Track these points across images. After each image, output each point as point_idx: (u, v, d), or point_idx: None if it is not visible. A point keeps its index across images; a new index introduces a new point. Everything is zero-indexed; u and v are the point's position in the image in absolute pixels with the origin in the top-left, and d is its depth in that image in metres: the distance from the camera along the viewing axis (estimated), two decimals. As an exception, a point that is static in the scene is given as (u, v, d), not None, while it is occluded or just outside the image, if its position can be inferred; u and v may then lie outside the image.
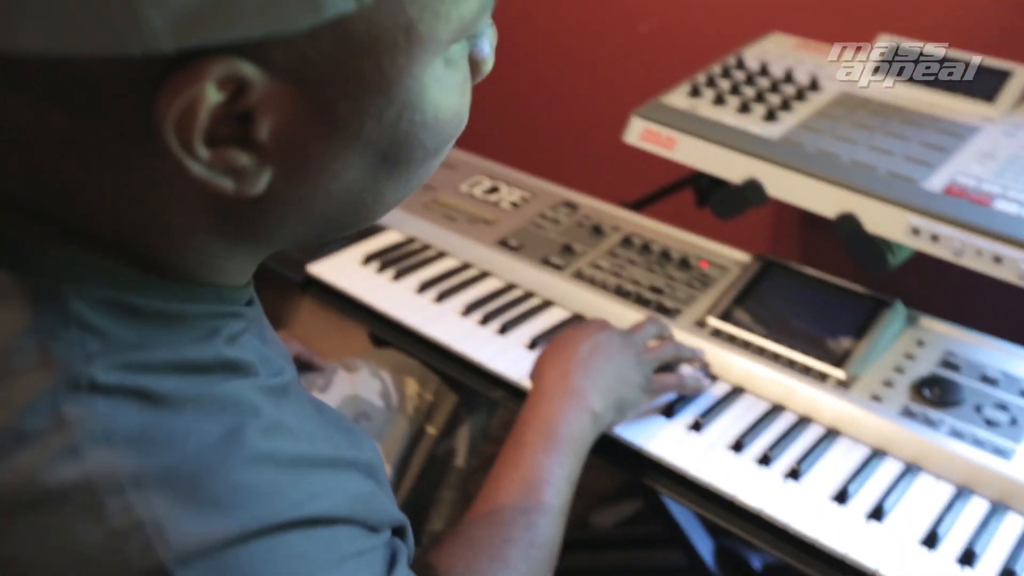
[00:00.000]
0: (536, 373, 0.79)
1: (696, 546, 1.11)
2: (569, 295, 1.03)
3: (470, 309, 1.01)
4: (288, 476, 0.39)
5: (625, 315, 0.98)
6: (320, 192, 0.40)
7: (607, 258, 1.07)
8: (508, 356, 0.94)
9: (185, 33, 0.31)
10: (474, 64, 0.44)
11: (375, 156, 0.40)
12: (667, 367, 0.87)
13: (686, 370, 0.90)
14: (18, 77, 0.34)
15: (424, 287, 1.05)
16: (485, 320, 0.99)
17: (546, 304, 1.03)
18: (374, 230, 1.18)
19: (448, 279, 1.07)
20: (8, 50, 0.31)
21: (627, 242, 1.10)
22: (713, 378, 0.91)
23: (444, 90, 0.41)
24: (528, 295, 1.05)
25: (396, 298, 1.04)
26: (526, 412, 0.75)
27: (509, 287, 1.07)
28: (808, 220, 1.46)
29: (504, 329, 0.98)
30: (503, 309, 1.01)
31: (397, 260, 1.11)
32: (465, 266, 1.10)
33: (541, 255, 1.08)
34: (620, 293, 1.01)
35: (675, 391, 0.86)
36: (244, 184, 0.38)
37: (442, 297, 1.03)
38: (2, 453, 0.34)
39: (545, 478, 0.67)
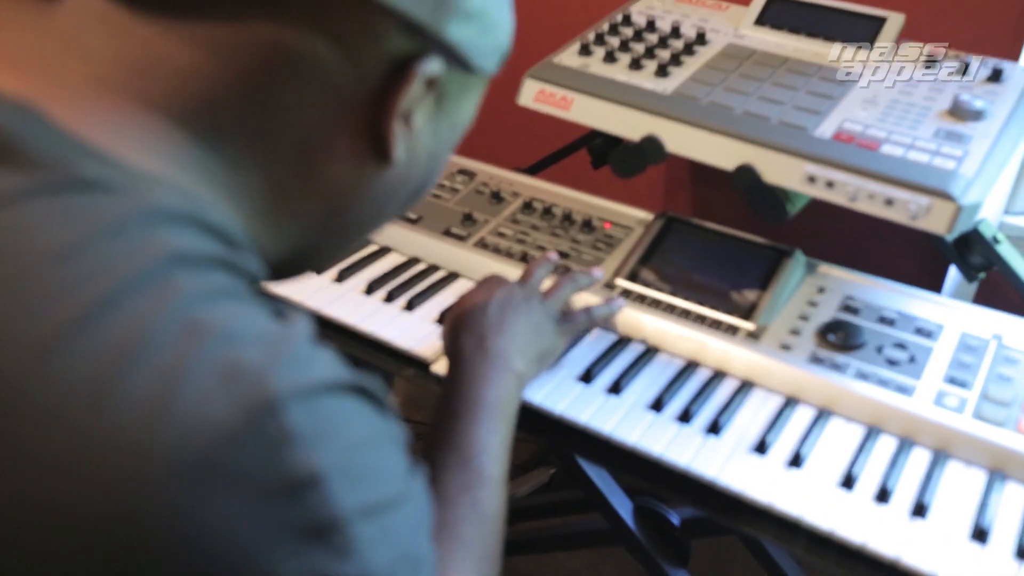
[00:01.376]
0: (450, 344, 0.78)
1: (615, 507, 1.12)
2: (475, 265, 1.00)
3: (373, 286, 0.97)
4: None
5: (533, 282, 0.96)
6: (390, 195, 0.50)
7: (509, 225, 1.05)
8: (418, 333, 0.91)
9: (456, 37, 0.45)
10: None
11: (417, 186, 0.52)
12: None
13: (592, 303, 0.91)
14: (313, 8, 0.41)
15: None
16: (390, 297, 0.96)
17: (452, 276, 1.01)
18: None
19: (346, 258, 1.02)
20: None
21: (528, 207, 1.08)
22: (627, 339, 0.91)
23: (448, 158, 0.54)
24: (432, 268, 1.02)
25: (296, 282, 0.98)
26: (451, 384, 0.73)
27: (412, 261, 1.03)
28: (697, 174, 1.48)
29: (411, 305, 0.95)
30: (408, 284, 0.98)
31: (290, 241, 1.05)
32: (363, 242, 1.06)
33: (442, 226, 1.05)
34: (526, 260, 0.99)
35: (589, 326, 0.87)
36: (397, 153, 0.46)
37: (342, 276, 0.99)
38: (104, 317, 0.35)
39: (481, 449, 0.66)
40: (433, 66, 0.44)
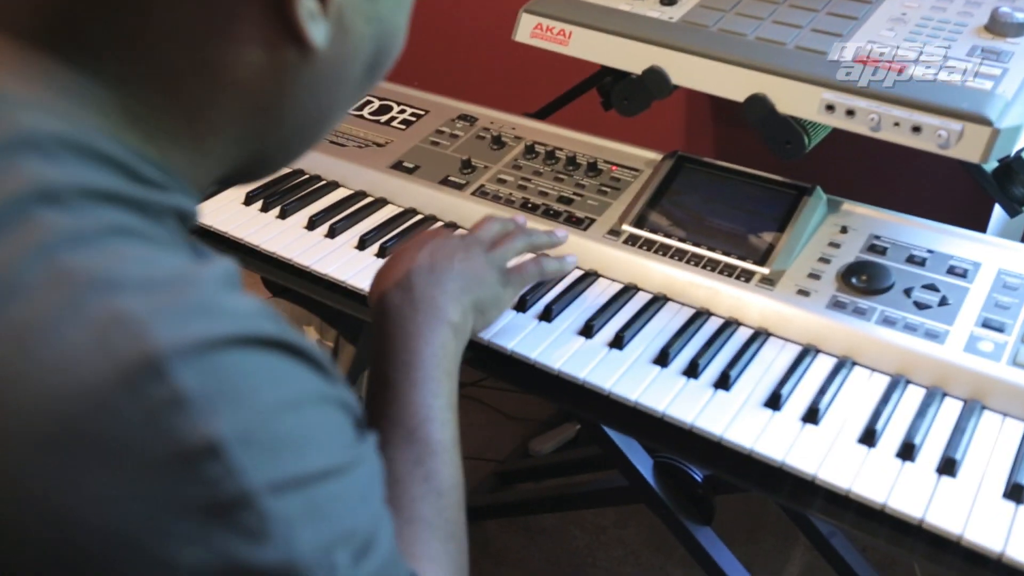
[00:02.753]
0: (375, 297, 0.68)
1: (636, 465, 1.07)
2: (473, 215, 0.94)
3: (366, 241, 0.92)
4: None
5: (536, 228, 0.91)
6: (331, 83, 0.43)
7: (510, 171, 0.99)
8: (411, 289, 0.86)
9: None
10: None
11: (370, 59, 0.44)
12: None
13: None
14: None
15: (314, 222, 0.96)
16: (382, 252, 0.91)
17: (450, 227, 0.95)
18: (256, 166, 1.07)
19: (339, 210, 0.98)
20: None
21: (531, 151, 1.02)
22: (632, 288, 0.85)
23: (407, 13, 0.46)
24: (429, 219, 0.97)
25: (285, 237, 0.94)
26: (379, 342, 0.64)
27: (408, 212, 0.98)
28: (720, 113, 1.39)
29: (404, 260, 0.89)
30: (401, 237, 0.93)
31: (282, 195, 1.00)
32: (359, 194, 1.01)
33: (440, 174, 1.00)
34: (527, 207, 0.94)
35: (537, 278, 0.79)
36: (311, 29, 0.39)
37: (334, 231, 0.94)
38: None
39: (425, 415, 0.59)
40: None
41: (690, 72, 0.86)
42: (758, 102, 0.82)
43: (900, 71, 0.80)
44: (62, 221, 0.32)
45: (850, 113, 0.78)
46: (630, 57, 0.89)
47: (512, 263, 0.77)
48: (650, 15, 0.91)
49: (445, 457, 0.58)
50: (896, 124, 0.77)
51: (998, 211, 1.17)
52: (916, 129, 0.76)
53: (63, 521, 0.30)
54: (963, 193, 1.21)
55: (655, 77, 0.86)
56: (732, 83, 0.84)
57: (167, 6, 0.37)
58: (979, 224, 1.20)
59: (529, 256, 0.81)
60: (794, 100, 0.81)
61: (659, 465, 1.13)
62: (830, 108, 0.79)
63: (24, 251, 0.31)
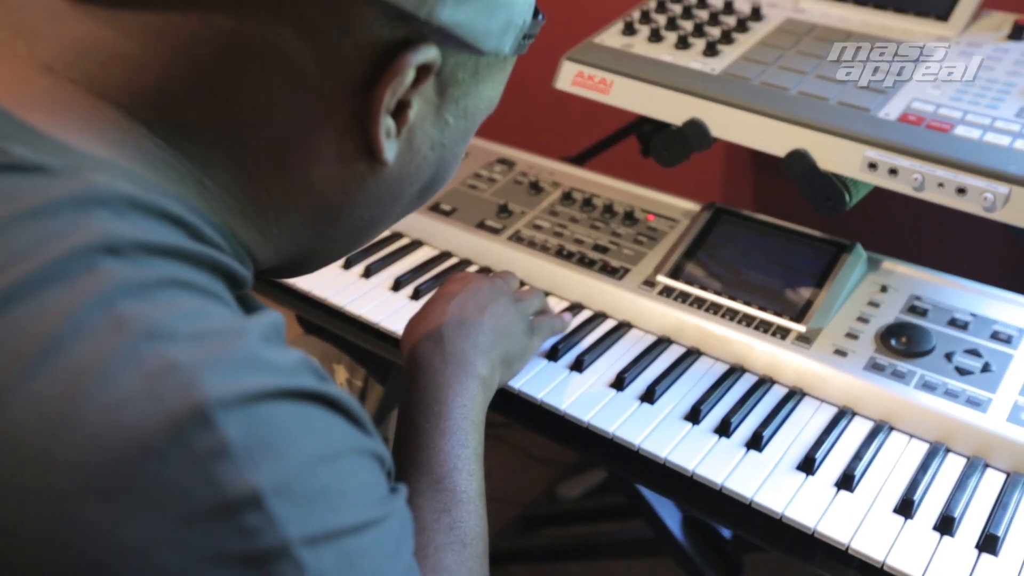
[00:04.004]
0: (407, 347, 0.70)
1: (664, 519, 1.05)
2: (508, 260, 0.95)
3: (400, 283, 0.92)
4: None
5: (569, 278, 0.90)
6: (391, 197, 0.46)
7: (547, 217, 0.99)
8: (442, 333, 0.86)
9: (452, 20, 0.40)
10: None
11: (428, 181, 0.47)
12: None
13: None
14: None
15: (350, 262, 0.96)
16: (416, 294, 0.91)
17: (484, 271, 0.95)
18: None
19: (376, 251, 0.98)
20: None
21: (568, 198, 1.01)
22: (666, 341, 0.84)
23: (465, 148, 0.49)
24: (464, 263, 0.97)
25: (320, 276, 0.95)
26: (409, 392, 0.66)
27: (443, 255, 0.98)
28: (760, 165, 1.38)
29: (437, 303, 0.89)
30: (436, 280, 0.93)
31: (320, 235, 1.01)
32: (395, 235, 1.02)
33: (477, 218, 1.00)
34: (562, 255, 0.93)
35: (559, 331, 0.81)
36: (386, 153, 0.42)
37: (370, 272, 0.95)
38: (14, 306, 0.32)
39: (452, 465, 0.60)
40: (426, 54, 0.40)
41: (730, 125, 0.85)
42: (799, 158, 0.81)
43: (946, 131, 0.78)
44: (123, 271, 0.33)
45: (893, 172, 0.77)
46: (671, 108, 0.88)
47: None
48: (692, 66, 0.91)
49: (471, 507, 0.58)
50: (940, 185, 0.75)
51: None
52: (961, 191, 0.74)
53: (99, 567, 0.30)
54: (1007, 254, 1.18)
55: (695, 129, 0.86)
56: (773, 137, 0.83)
57: (266, 110, 0.39)
58: (1020, 285, 1.17)
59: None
60: (836, 157, 0.80)
61: (688, 520, 1.11)
62: (872, 166, 0.78)
63: (86, 298, 0.32)
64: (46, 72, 0.38)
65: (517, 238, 0.96)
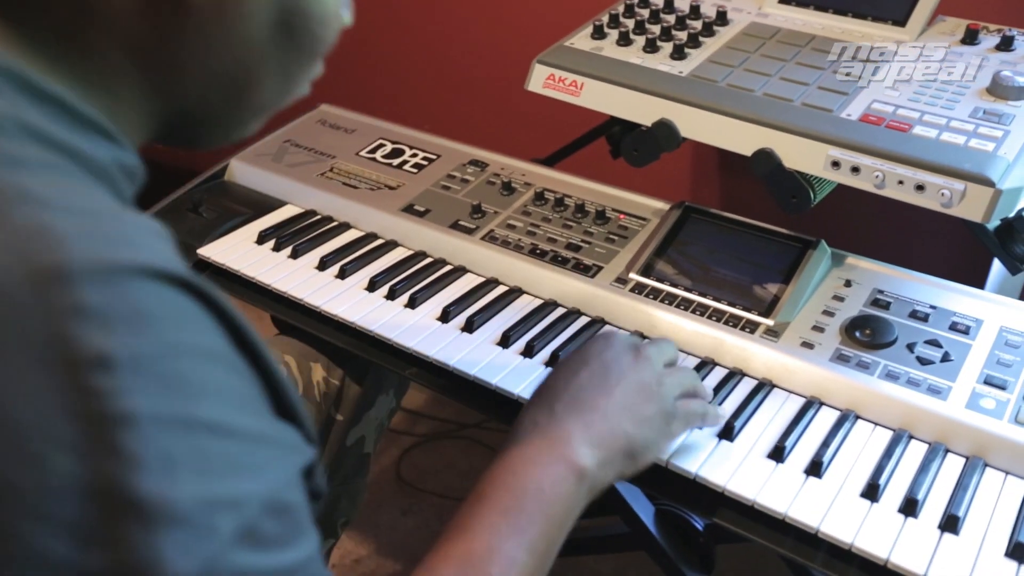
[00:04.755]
0: (528, 402, 0.63)
1: (638, 513, 1.07)
2: (483, 259, 0.96)
3: (375, 283, 0.93)
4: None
5: (543, 276, 0.92)
6: (227, 27, 0.42)
7: (520, 217, 1.01)
8: (419, 331, 0.87)
9: None
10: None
11: (277, 17, 0.43)
12: None
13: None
14: None
15: (325, 263, 0.97)
16: (392, 294, 0.92)
17: (459, 271, 0.97)
18: (269, 206, 1.08)
19: (350, 252, 0.99)
20: None
21: (540, 198, 1.03)
22: (642, 336, 0.86)
23: None
24: (439, 262, 0.98)
25: (296, 277, 0.95)
26: (496, 459, 0.59)
27: (418, 255, 0.99)
28: (726, 164, 1.42)
29: (413, 302, 0.91)
30: (411, 280, 0.94)
31: (294, 236, 1.02)
32: (370, 236, 1.03)
33: (451, 219, 1.01)
34: (536, 253, 0.95)
35: (700, 422, 0.70)
36: None
37: (344, 272, 0.95)
38: None
39: (496, 547, 0.53)
40: None
41: (699, 125, 0.88)
42: (765, 157, 0.84)
43: (905, 130, 0.81)
44: (3, 145, 0.34)
45: (855, 170, 0.80)
46: (640, 109, 0.91)
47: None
48: (660, 69, 0.94)
49: None
50: (900, 182, 0.78)
51: (996, 266, 1.18)
52: (920, 187, 0.77)
53: None
54: (963, 248, 1.22)
55: (664, 130, 0.88)
56: (740, 137, 0.85)
57: None
58: (978, 279, 1.21)
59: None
60: (801, 155, 0.83)
61: (661, 513, 1.12)
62: (836, 164, 0.81)
63: None
64: None
65: (491, 238, 0.98)
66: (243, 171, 1.14)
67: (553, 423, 0.60)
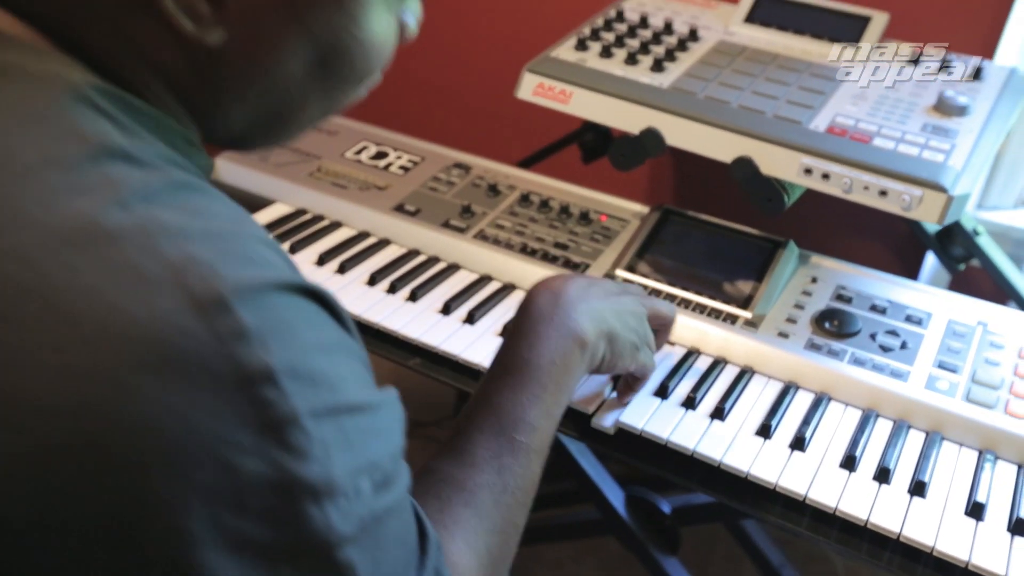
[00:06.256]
0: (524, 302, 0.72)
1: (608, 497, 1.14)
2: (475, 256, 1.02)
3: (376, 278, 0.98)
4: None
5: (534, 273, 0.98)
6: (263, 72, 0.46)
7: (508, 217, 1.07)
8: (422, 322, 0.92)
9: None
10: (400, 27, 0.53)
11: (315, 55, 0.47)
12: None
13: None
14: None
15: (323, 259, 1.01)
16: (393, 288, 0.97)
17: (452, 267, 1.02)
18: (258, 205, 1.11)
19: (347, 248, 1.03)
20: None
21: (525, 200, 1.09)
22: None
23: (380, 22, 0.49)
24: (433, 259, 1.03)
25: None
26: (510, 332, 0.69)
27: (412, 252, 1.04)
28: (681, 168, 1.50)
29: (414, 295, 0.95)
30: (410, 275, 0.99)
31: (289, 233, 1.05)
32: (363, 234, 1.07)
33: (441, 218, 1.06)
34: (526, 251, 1.01)
35: (647, 368, 0.79)
36: (201, 30, 0.43)
37: (344, 268, 0.99)
38: (63, 198, 0.37)
39: (519, 416, 0.63)
40: None
41: (682, 134, 0.95)
42: (744, 164, 0.92)
43: (866, 141, 0.91)
44: (129, 177, 0.38)
45: (825, 176, 0.89)
46: (627, 117, 0.98)
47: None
48: (643, 80, 1.01)
49: (523, 460, 0.62)
50: (866, 188, 0.87)
51: (929, 260, 1.30)
52: (883, 193, 0.87)
53: (148, 431, 0.35)
54: (899, 244, 1.34)
55: (651, 138, 0.96)
56: (720, 145, 0.93)
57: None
58: (911, 269, 1.34)
59: None
60: (776, 163, 0.91)
61: (630, 499, 1.20)
62: (808, 171, 0.90)
63: (106, 202, 0.37)
64: None
65: (482, 236, 1.03)
66: (229, 170, 1.16)
67: (561, 307, 0.69)
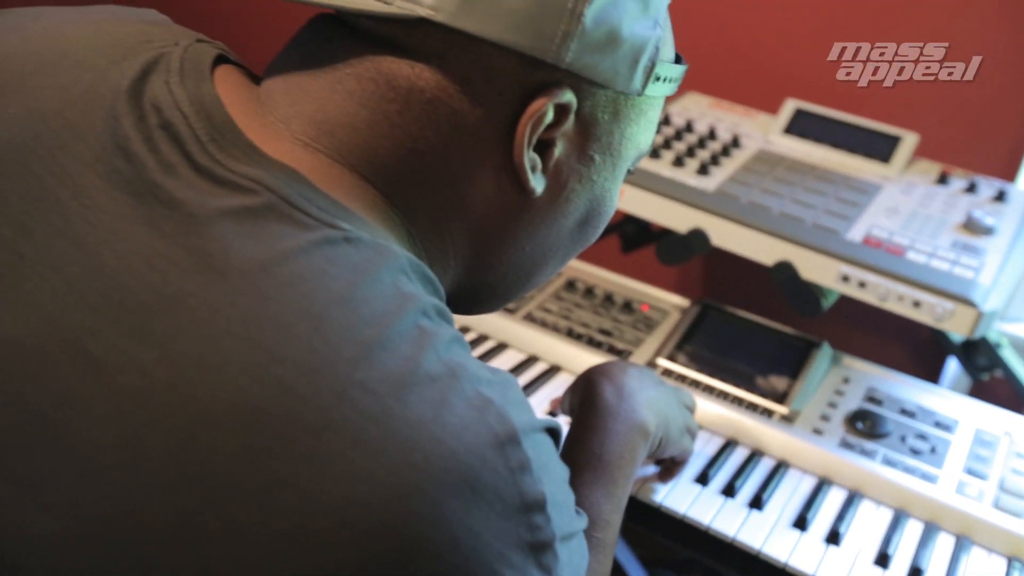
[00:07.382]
0: (587, 391, 0.74)
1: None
2: (523, 337, 1.07)
3: (428, 352, 1.03)
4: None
5: (579, 356, 1.03)
6: (547, 226, 0.52)
7: (554, 301, 1.12)
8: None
9: (579, 63, 0.46)
10: None
11: (582, 216, 0.53)
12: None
13: None
14: (437, 51, 0.45)
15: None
16: (445, 363, 1.01)
17: (501, 346, 1.07)
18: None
19: (401, 322, 1.08)
20: (466, 29, 0.44)
21: (571, 286, 1.15)
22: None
23: (619, 185, 0.55)
24: (482, 337, 1.08)
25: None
26: (577, 428, 0.72)
27: (462, 329, 1.09)
28: (708, 259, 1.57)
29: (465, 372, 1.00)
30: (460, 352, 1.04)
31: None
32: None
33: (489, 298, 1.12)
34: (572, 335, 1.06)
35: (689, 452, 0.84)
36: (532, 184, 0.48)
37: (398, 341, 1.04)
38: (397, 343, 0.41)
39: (596, 515, 0.66)
40: (561, 95, 0.46)
41: (727, 236, 1.01)
42: (785, 268, 0.98)
43: (900, 254, 0.97)
44: (437, 330, 0.43)
45: (862, 284, 0.95)
46: (676, 217, 1.04)
47: None
48: (689, 183, 1.08)
49: (602, 557, 0.64)
50: (900, 298, 0.93)
51: (951, 365, 1.35)
52: (916, 304, 0.92)
53: (447, 548, 0.39)
54: (922, 347, 1.39)
55: (698, 237, 1.02)
56: (763, 249, 0.99)
57: (443, 156, 0.47)
58: (932, 373, 1.38)
59: None
60: (815, 269, 0.97)
61: (652, 579, 1.22)
62: (846, 279, 0.95)
63: (425, 351, 0.42)
64: (308, 149, 0.47)
65: (530, 318, 1.09)
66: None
67: (626, 400, 0.73)
